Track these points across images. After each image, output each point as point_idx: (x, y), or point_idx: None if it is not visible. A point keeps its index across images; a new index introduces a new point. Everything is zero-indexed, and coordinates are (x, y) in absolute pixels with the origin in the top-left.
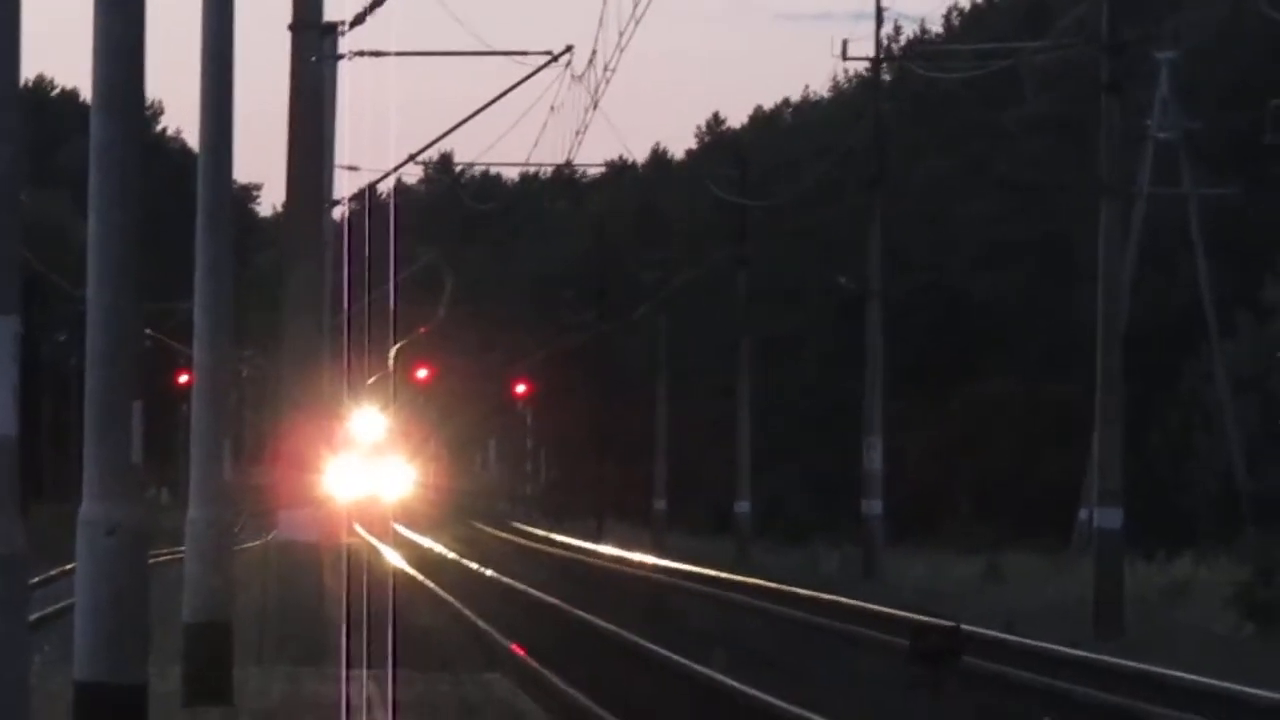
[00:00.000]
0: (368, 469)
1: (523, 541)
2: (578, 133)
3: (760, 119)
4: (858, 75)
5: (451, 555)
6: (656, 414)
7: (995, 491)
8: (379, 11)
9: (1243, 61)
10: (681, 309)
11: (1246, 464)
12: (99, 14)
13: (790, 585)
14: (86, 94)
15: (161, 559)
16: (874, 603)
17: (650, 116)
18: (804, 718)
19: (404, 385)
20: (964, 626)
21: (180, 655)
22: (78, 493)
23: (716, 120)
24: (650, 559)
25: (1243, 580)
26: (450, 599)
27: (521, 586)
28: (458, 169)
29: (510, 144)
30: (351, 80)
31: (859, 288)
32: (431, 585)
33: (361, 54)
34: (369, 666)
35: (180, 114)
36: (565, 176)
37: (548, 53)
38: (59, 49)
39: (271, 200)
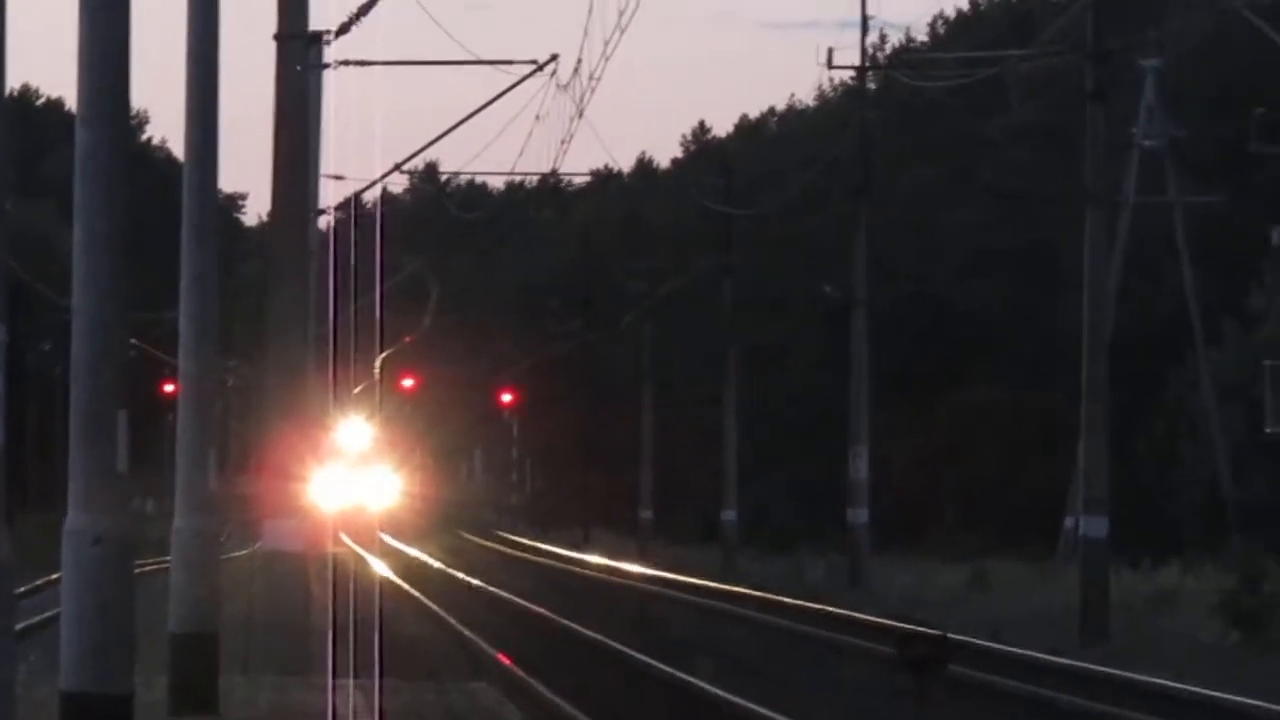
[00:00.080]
0: (353, 479)
1: (509, 551)
2: (563, 142)
3: (746, 128)
4: (843, 84)
5: (437, 565)
6: (642, 423)
7: (981, 500)
8: (364, 21)
9: (1228, 69)
10: (667, 318)
11: (1232, 472)
12: (84, 23)
13: (776, 594)
14: (72, 103)
15: (147, 569)
16: (860, 611)
17: (636, 125)
18: None
19: (390, 395)
20: (950, 635)
21: (166, 665)
22: (63, 502)
23: (702, 129)
24: (636, 568)
25: (1228, 588)
26: (436, 608)
27: (507, 596)
28: (443, 178)
29: (496, 153)
30: (337, 89)
31: (844, 296)
32: (418, 595)
33: (347, 63)
34: (355, 676)
35: (166, 123)
36: (551, 185)
37: (533, 62)
38: (44, 58)
39: (257, 209)
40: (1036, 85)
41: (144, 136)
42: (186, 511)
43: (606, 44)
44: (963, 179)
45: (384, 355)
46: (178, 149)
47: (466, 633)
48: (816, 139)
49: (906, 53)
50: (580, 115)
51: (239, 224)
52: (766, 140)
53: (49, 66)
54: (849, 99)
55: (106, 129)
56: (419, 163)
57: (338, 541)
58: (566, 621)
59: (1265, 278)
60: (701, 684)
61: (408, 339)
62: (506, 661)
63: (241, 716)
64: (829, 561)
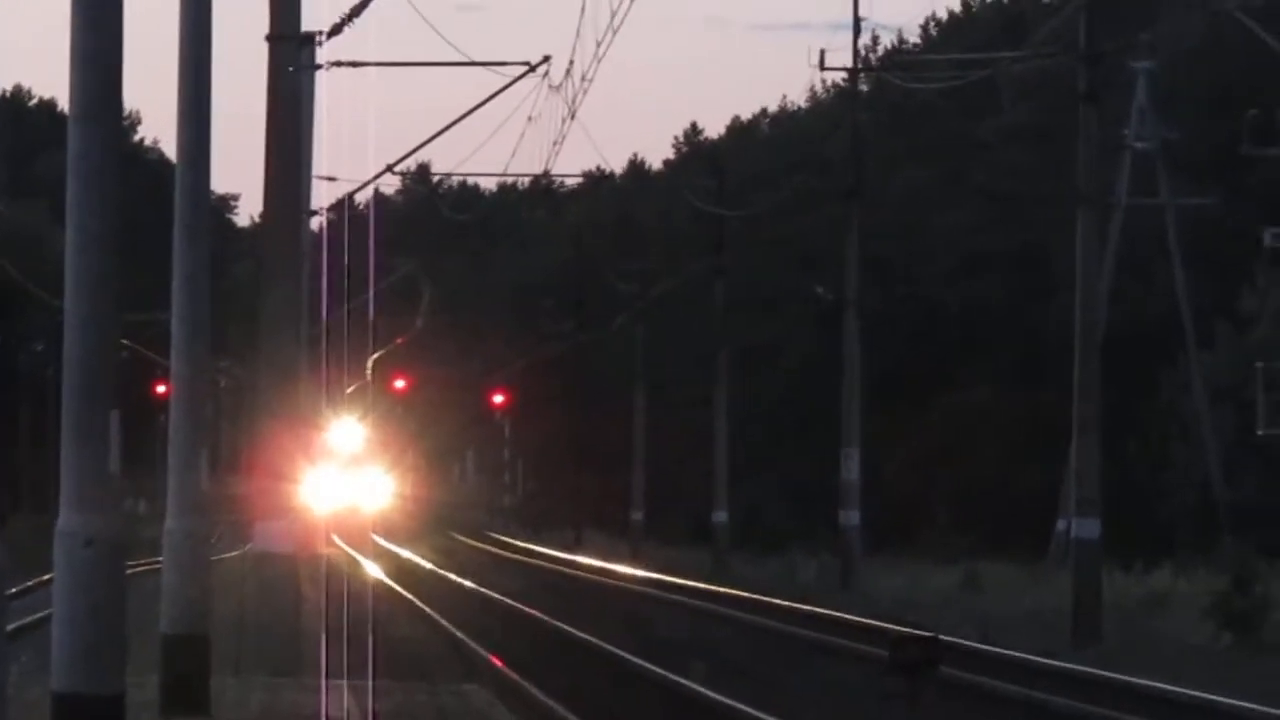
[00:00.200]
0: (346, 480)
1: (500, 553)
2: (555, 143)
3: (738, 129)
4: (835, 85)
5: (429, 566)
6: (634, 424)
7: (973, 501)
8: (357, 22)
9: (1220, 71)
10: (659, 319)
11: (1224, 474)
12: (76, 24)
13: (768, 595)
14: (64, 104)
15: (139, 569)
16: (851, 613)
17: (628, 127)
18: None
19: (382, 396)
20: (941, 637)
21: (158, 666)
22: (56, 503)
23: (694, 130)
24: (627, 569)
25: (1220, 590)
26: (428, 610)
27: (499, 597)
28: (435, 179)
29: (488, 154)
30: (329, 91)
31: (836, 298)
32: (410, 596)
33: (339, 64)
34: (347, 677)
35: (158, 124)
36: (543, 187)
37: (525, 63)
38: (36, 59)
39: (249, 210)
40: (1028, 87)
41: (136, 137)
42: (178, 512)
43: (599, 45)
44: (955, 180)
45: (376, 356)
46: (170, 150)
47: (458, 634)
48: (808, 140)
49: (899, 54)
50: (572, 116)
51: (231, 225)
52: (758, 141)
53: (41, 67)
54: (841, 100)
55: (99, 129)
56: (411, 164)
57: (330, 543)
58: (558, 623)
59: (1257, 280)
60: (693, 686)
61: (400, 340)
62: (498, 663)
63: (233, 717)
64: (820, 563)
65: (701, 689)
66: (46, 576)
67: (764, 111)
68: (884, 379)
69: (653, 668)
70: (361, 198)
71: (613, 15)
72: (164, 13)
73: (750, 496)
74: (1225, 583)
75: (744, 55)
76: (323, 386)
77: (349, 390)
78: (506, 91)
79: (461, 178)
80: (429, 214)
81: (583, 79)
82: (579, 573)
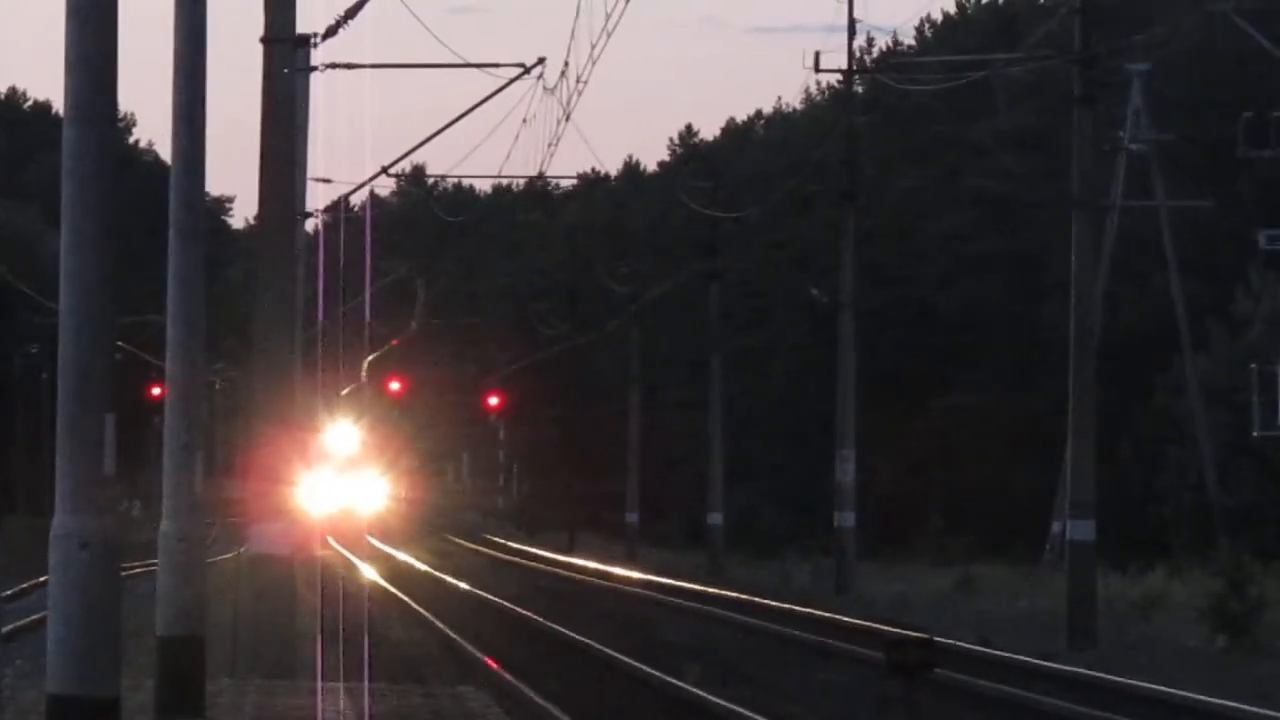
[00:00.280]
0: (341, 482)
1: (496, 555)
2: (550, 145)
3: (732, 131)
4: (830, 88)
5: (424, 568)
6: (629, 426)
7: (968, 504)
8: (351, 24)
9: (1215, 74)
10: (654, 321)
11: (1218, 476)
12: (71, 26)
13: (763, 598)
14: (59, 106)
15: (134, 572)
16: (846, 615)
17: (622, 129)
18: None
19: (377, 398)
20: (936, 639)
21: (153, 668)
22: (51, 506)
23: (689, 133)
24: (622, 571)
25: (1215, 592)
26: (424, 612)
27: (494, 599)
28: (430, 181)
29: (482, 156)
30: (324, 93)
31: (831, 300)
32: (405, 598)
33: (334, 67)
34: (343, 679)
35: (153, 126)
36: (537, 189)
37: (520, 65)
38: (31, 61)
39: (244, 213)
40: (1023, 89)
41: (131, 139)
42: (173, 515)
43: (593, 47)
44: (949, 183)
45: (371, 358)
46: (165, 152)
47: (454, 636)
48: (803, 143)
49: (893, 56)
50: (567, 119)
51: (226, 227)
52: (753, 144)
53: (36, 70)
54: (836, 103)
55: (94, 131)
56: (406, 166)
57: (325, 546)
58: (553, 625)
59: (1252, 282)
60: (689, 688)
61: (395, 342)
62: (494, 665)
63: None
64: (815, 565)
65: (697, 691)
66: (42, 579)
67: (759, 114)
68: (879, 381)
69: (648, 670)
70: (356, 200)
71: (607, 17)
72: (159, 15)
73: (745, 499)
74: (1220, 585)
75: (738, 57)
76: (318, 389)
77: (344, 392)
78: (501, 93)
79: (456, 180)
80: (424, 216)
81: (577, 81)
82: (574, 575)
